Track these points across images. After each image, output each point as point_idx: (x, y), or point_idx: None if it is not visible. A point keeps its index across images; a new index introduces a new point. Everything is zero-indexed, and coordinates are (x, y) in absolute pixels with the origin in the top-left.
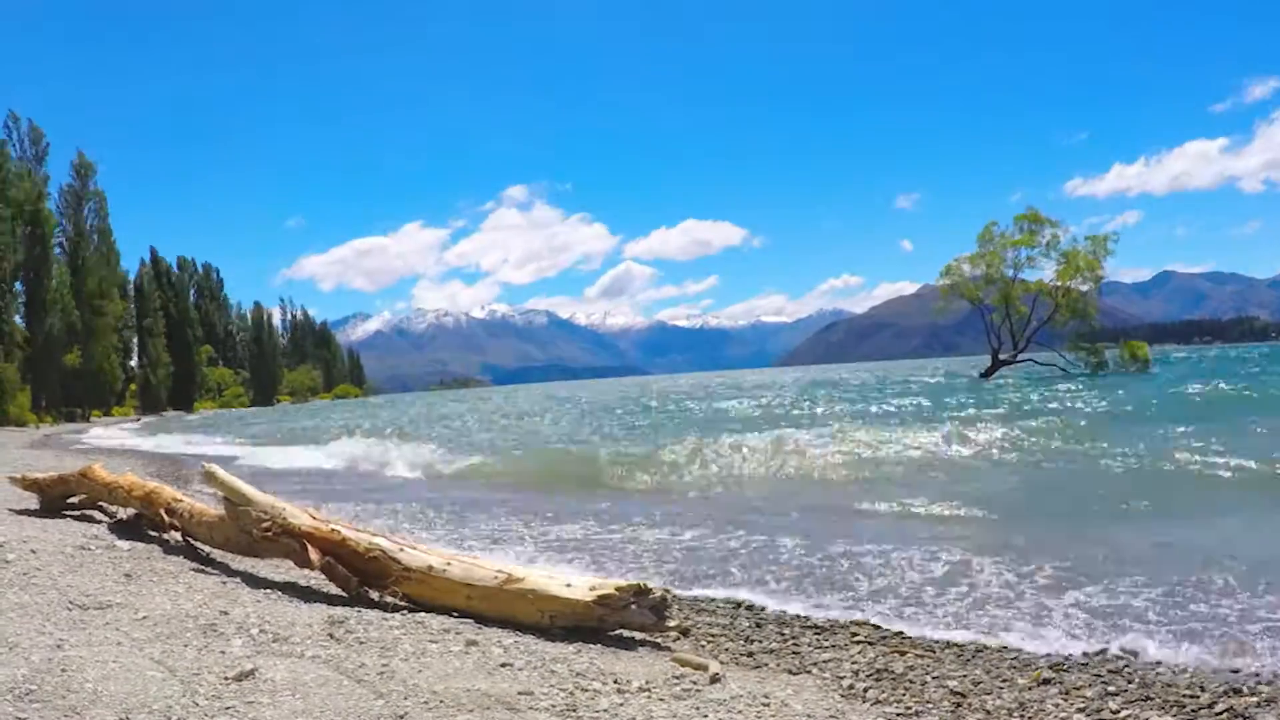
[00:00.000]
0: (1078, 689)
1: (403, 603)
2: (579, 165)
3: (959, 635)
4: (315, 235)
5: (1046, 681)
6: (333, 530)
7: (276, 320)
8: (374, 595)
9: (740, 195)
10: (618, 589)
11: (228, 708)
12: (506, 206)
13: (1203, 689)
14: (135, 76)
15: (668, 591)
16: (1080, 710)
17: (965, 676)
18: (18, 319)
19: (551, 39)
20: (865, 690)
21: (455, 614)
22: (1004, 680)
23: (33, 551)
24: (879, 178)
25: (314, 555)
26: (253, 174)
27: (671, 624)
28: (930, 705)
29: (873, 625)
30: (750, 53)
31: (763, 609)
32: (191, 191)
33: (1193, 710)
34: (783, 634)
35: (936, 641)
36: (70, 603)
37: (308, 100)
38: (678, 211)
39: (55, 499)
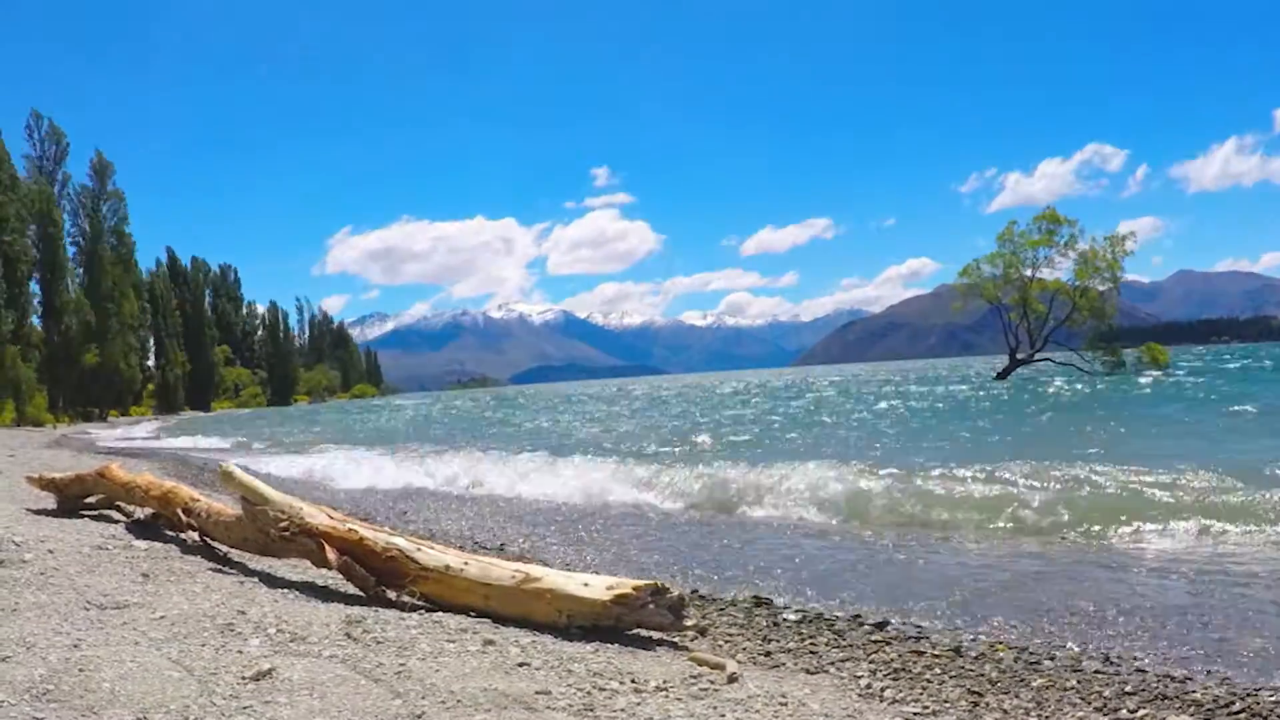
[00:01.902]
0: (1094, 688)
1: (420, 602)
2: (665, 165)
3: (975, 634)
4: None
5: (1062, 681)
6: (350, 530)
7: (294, 320)
8: (391, 595)
9: (837, 186)
10: (635, 588)
11: (245, 707)
12: (587, 207)
13: (1220, 688)
14: (200, 75)
15: (685, 591)
16: (1097, 710)
17: (982, 676)
18: (34, 319)
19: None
20: (883, 690)
21: (472, 613)
22: (1021, 680)
23: (50, 551)
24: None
25: (331, 555)
26: (300, 174)
27: (689, 623)
28: (948, 705)
29: (891, 624)
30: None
31: (781, 608)
32: (227, 193)
33: (1210, 710)
34: (800, 633)
35: (954, 640)
36: (88, 602)
37: (361, 101)
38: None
39: (72, 499)
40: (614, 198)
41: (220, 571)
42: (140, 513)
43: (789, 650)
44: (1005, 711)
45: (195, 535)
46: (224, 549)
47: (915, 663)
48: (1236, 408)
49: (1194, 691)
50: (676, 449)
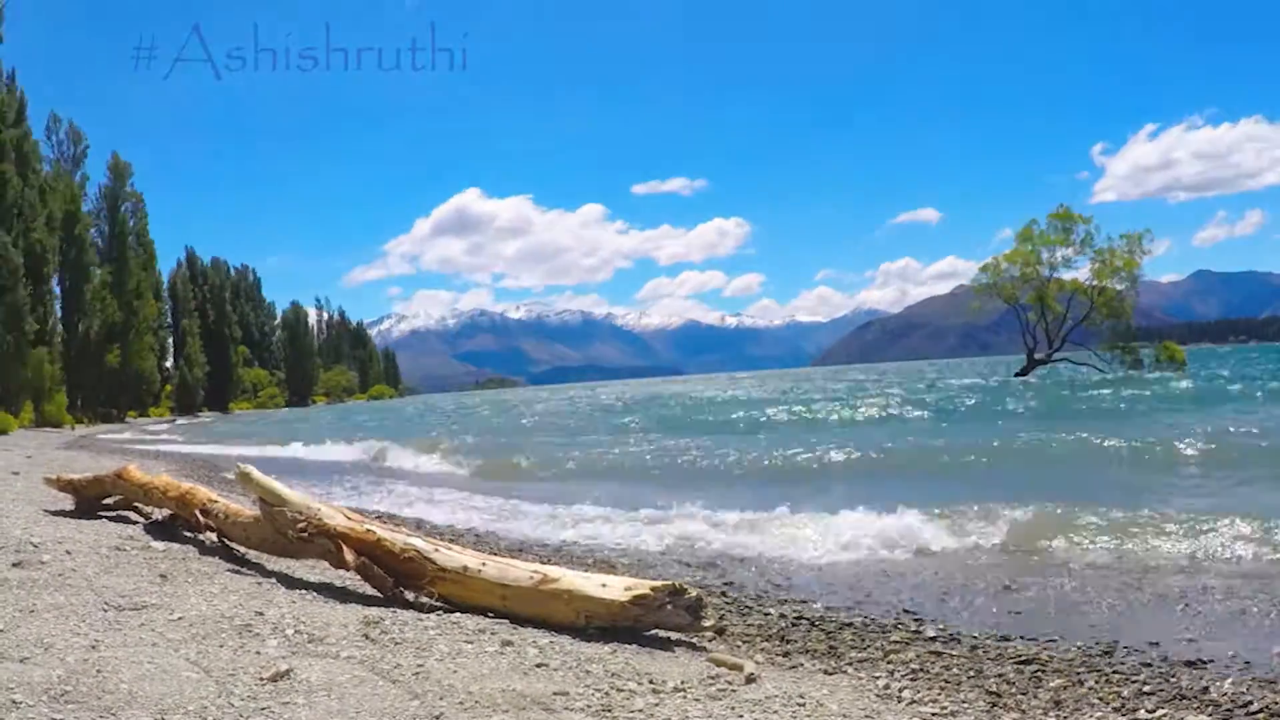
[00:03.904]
0: (1112, 688)
1: (438, 603)
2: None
3: (994, 634)
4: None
5: (1080, 681)
6: (368, 530)
7: (312, 320)
8: (409, 596)
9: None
10: (653, 589)
11: (263, 708)
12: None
13: (1239, 688)
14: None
15: (703, 591)
16: (1115, 710)
17: (1001, 676)
18: (54, 320)
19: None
20: (901, 690)
21: (490, 614)
22: (1039, 680)
23: (68, 552)
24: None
25: (349, 556)
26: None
27: (707, 624)
28: (966, 705)
29: (909, 626)
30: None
31: (799, 608)
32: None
33: (1228, 709)
34: (818, 633)
35: (972, 641)
36: (105, 603)
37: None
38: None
39: (90, 500)
40: (697, 186)
41: (238, 572)
42: (158, 514)
43: (807, 651)
44: (1023, 712)
45: (213, 536)
46: (242, 550)
47: (934, 663)
48: None
49: (1212, 691)
50: None
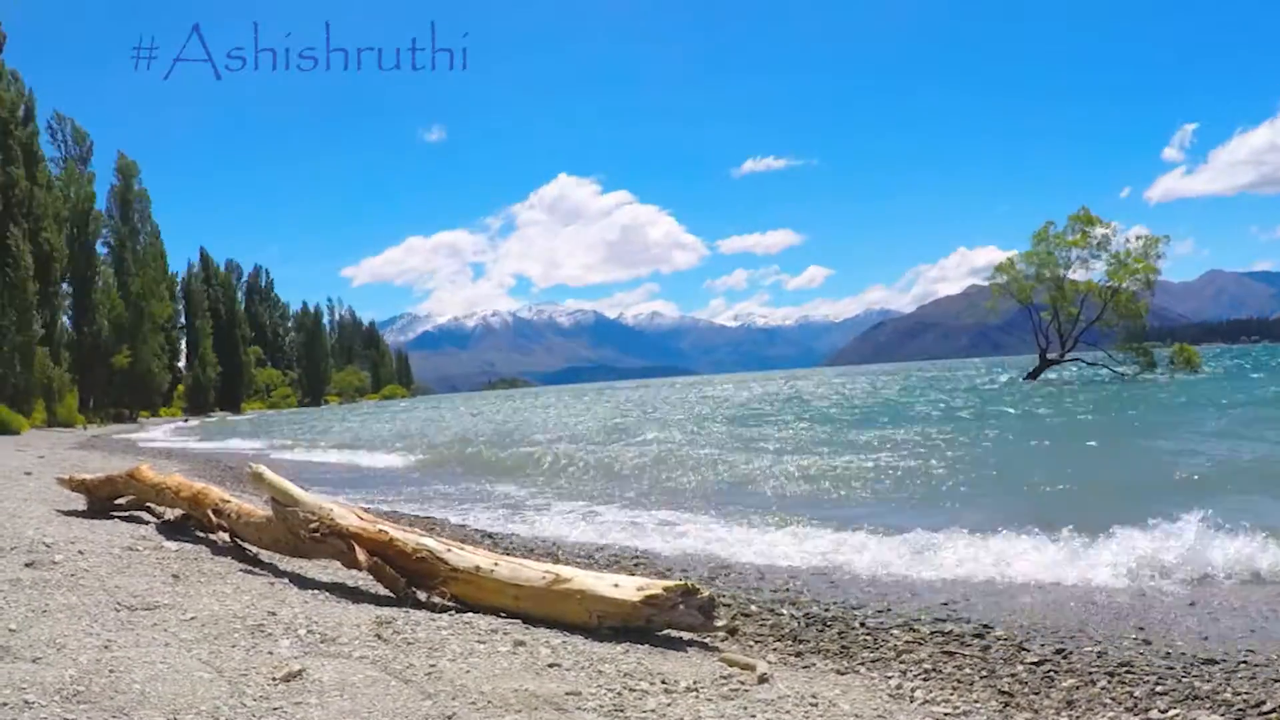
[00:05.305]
0: (1125, 688)
1: (450, 603)
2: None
3: (1006, 635)
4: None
5: (1092, 681)
6: (380, 530)
7: (325, 320)
8: (421, 596)
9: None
10: (665, 589)
11: (275, 708)
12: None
13: (1250, 687)
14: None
15: (714, 591)
16: (1128, 710)
17: (1013, 676)
18: (65, 320)
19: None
20: (913, 690)
21: (503, 614)
22: (1051, 680)
23: (80, 553)
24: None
25: (361, 556)
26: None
27: (719, 624)
28: (978, 705)
29: (921, 626)
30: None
31: (810, 609)
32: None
33: (1240, 710)
34: (831, 634)
35: (985, 641)
36: (118, 603)
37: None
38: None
39: (103, 500)
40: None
41: (251, 573)
42: (170, 514)
43: (820, 651)
44: (1035, 712)
45: (226, 536)
46: (254, 550)
47: (946, 663)
48: None
49: (1224, 691)
50: None
